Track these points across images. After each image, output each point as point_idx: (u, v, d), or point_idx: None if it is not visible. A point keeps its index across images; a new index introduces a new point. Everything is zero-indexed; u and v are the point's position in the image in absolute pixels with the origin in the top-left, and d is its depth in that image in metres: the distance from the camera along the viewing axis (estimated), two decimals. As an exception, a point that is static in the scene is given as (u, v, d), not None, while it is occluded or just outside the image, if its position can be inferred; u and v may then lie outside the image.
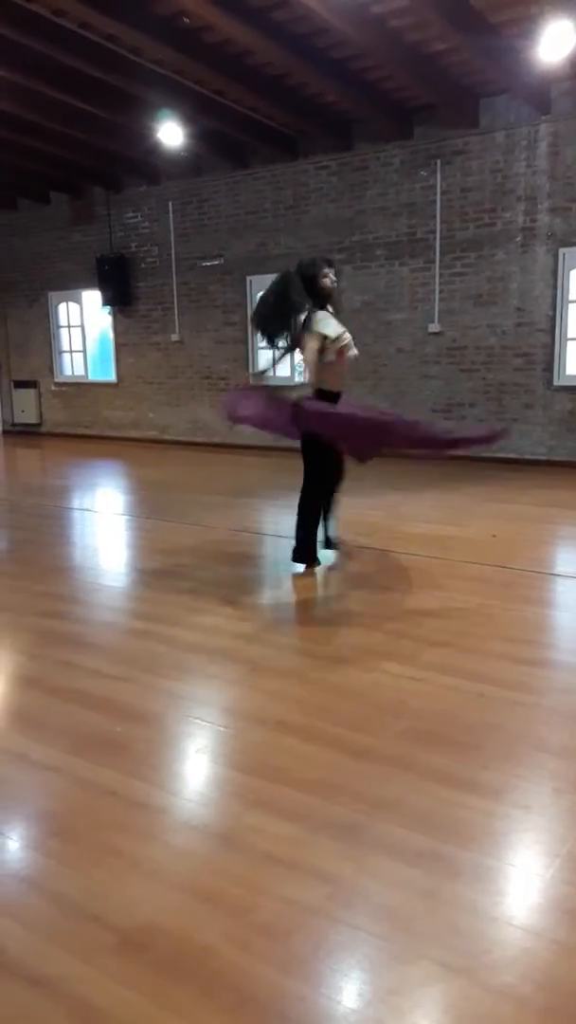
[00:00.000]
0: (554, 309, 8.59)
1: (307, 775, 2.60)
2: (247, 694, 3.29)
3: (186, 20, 6.74)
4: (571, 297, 8.56)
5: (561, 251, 8.45)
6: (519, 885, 2.11)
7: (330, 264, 4.91)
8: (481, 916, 1.96)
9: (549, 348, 8.68)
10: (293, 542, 5.01)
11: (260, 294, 4.91)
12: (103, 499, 8.31)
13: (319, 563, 5.02)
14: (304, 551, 4.98)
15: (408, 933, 1.91)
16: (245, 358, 10.94)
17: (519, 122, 8.41)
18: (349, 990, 1.76)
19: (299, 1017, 1.68)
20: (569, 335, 8.63)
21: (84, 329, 12.87)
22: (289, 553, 5.02)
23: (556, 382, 8.69)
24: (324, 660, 3.66)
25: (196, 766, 2.78)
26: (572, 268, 8.49)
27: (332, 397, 4.88)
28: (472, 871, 2.13)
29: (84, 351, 12.96)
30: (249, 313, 10.78)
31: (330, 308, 4.87)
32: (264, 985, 1.76)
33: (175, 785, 2.65)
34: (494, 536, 5.67)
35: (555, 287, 8.54)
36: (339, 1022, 1.67)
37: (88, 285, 12.25)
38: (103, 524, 7.02)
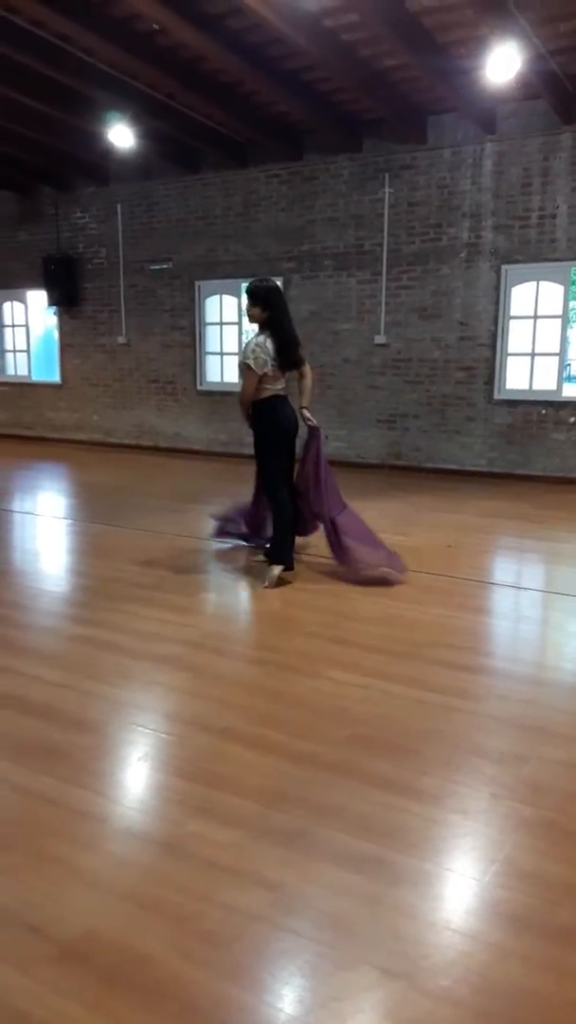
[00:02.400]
0: (496, 324, 8.78)
1: (251, 782, 2.60)
2: (190, 701, 3.28)
3: (156, 26, 6.61)
4: (512, 313, 8.77)
5: (504, 268, 8.64)
6: (457, 890, 2.15)
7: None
8: (420, 921, 2.00)
9: (490, 362, 8.87)
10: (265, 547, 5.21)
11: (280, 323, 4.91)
12: (45, 502, 8.18)
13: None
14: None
15: (349, 939, 1.93)
16: (192, 363, 10.91)
17: (465, 140, 8.59)
18: (291, 997, 1.77)
19: (240, 1024, 1.69)
20: (509, 350, 8.84)
21: (28, 329, 12.67)
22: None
23: (496, 396, 8.88)
24: (268, 667, 3.67)
25: (138, 773, 2.76)
26: (514, 285, 8.70)
27: None
28: (412, 876, 2.16)
29: (28, 351, 12.76)
30: (199, 318, 10.78)
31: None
32: (206, 993, 1.76)
33: (116, 793, 2.63)
34: (450, 546, 5.81)
35: (497, 303, 8.74)
36: (280, 1029, 1.68)
37: (33, 285, 12.06)
38: (45, 528, 6.92)
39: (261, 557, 5.30)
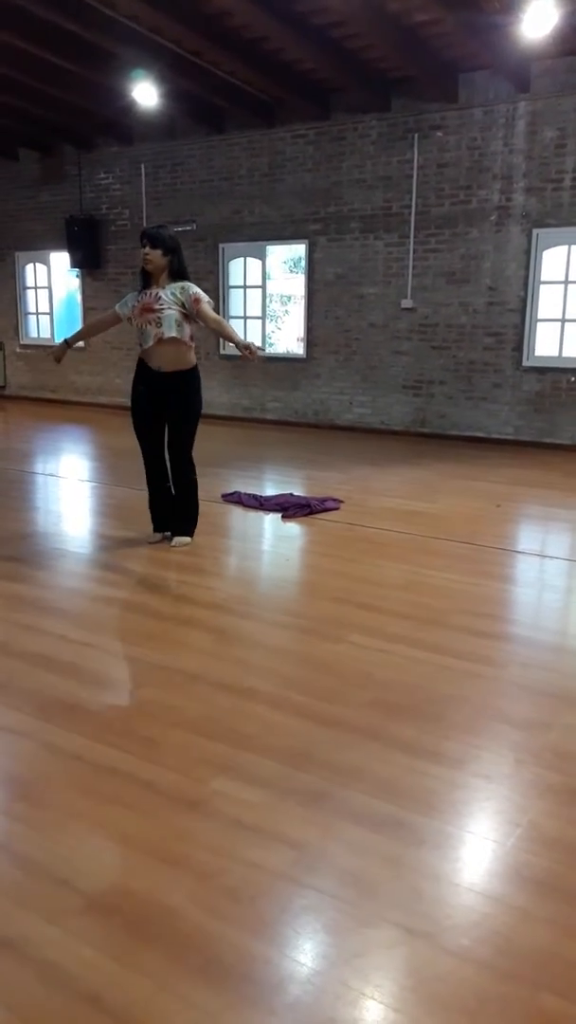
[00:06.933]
0: (526, 289, 8.63)
1: (275, 743, 2.62)
2: (215, 662, 3.30)
3: None
4: (543, 278, 8.60)
5: (535, 231, 8.47)
6: (481, 853, 2.15)
7: (142, 238, 4.72)
8: (443, 882, 2.01)
9: (519, 328, 8.73)
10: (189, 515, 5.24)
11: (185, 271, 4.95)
12: (68, 465, 8.21)
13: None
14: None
15: (372, 898, 1.94)
16: (215, 327, 10.83)
17: (498, 99, 8.37)
18: (313, 952, 1.78)
19: (264, 979, 1.71)
20: (539, 316, 8.69)
21: (51, 291, 12.63)
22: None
23: (525, 362, 8.76)
24: (292, 630, 3.68)
25: (163, 732, 2.78)
26: (545, 249, 8.53)
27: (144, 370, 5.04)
28: (435, 839, 2.17)
29: (51, 313, 12.73)
30: (223, 281, 10.68)
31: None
32: (230, 948, 1.78)
33: (141, 751, 2.65)
34: (498, 506, 6.07)
35: (527, 267, 8.57)
36: (303, 984, 1.69)
37: (56, 246, 12.00)
38: (68, 490, 6.94)
39: (166, 536, 5.04)
